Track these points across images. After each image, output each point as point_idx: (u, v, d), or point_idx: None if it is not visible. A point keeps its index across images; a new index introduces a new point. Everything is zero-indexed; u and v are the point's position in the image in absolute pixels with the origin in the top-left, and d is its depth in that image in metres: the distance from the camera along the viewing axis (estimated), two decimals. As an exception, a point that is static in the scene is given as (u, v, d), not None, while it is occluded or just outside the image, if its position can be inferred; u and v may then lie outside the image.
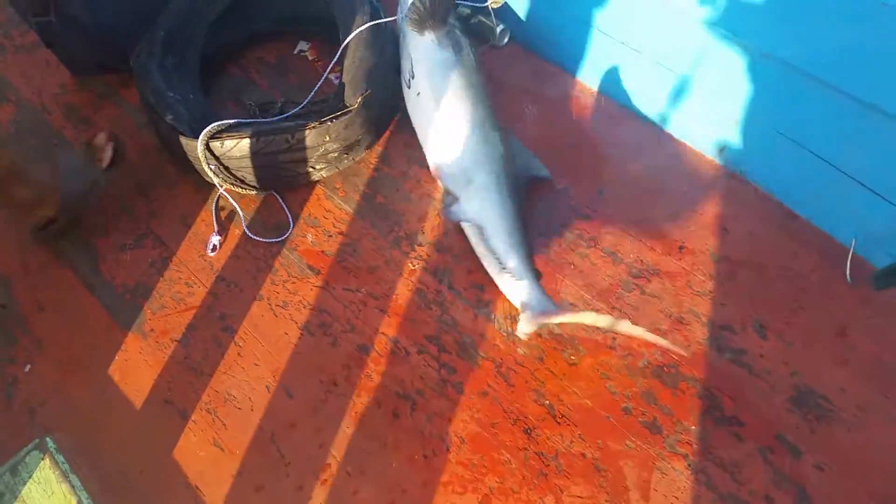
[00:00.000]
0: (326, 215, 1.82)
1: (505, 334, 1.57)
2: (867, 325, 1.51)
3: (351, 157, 1.87)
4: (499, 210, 1.61)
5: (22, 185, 1.68)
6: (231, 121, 1.73)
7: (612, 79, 1.92)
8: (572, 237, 1.70)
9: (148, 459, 1.48)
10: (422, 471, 1.41)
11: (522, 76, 2.05)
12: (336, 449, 1.44)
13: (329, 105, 1.79)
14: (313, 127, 1.72)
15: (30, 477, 1.44)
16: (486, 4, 1.96)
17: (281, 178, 1.84)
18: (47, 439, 1.49)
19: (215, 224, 1.82)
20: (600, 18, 1.83)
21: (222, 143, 1.71)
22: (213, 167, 1.76)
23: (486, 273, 1.63)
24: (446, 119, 1.72)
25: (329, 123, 1.73)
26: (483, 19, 2.04)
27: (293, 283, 1.70)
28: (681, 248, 1.66)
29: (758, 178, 1.73)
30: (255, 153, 1.73)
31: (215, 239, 1.79)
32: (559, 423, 1.44)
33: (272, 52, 2.26)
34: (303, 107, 1.89)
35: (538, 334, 1.55)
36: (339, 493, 1.39)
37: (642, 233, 1.69)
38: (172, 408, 1.54)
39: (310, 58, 2.25)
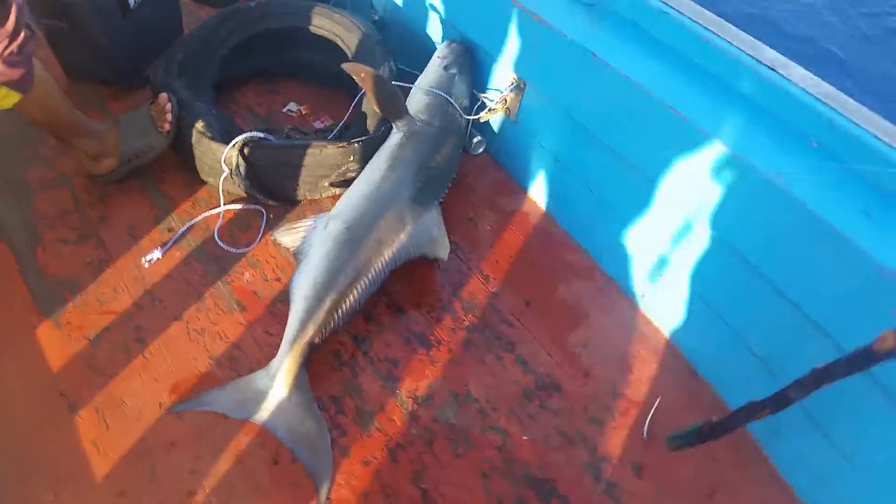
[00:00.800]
0: (269, 260, 1.89)
1: (405, 411, 1.61)
2: (732, 487, 1.59)
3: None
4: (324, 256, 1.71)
5: (82, 137, 1.89)
6: (261, 133, 1.93)
7: (562, 207, 2.08)
8: (492, 338, 1.79)
9: (21, 441, 1.46)
10: (284, 522, 1.42)
11: (486, 185, 2.21)
12: (208, 479, 1.44)
13: (350, 132, 2.01)
14: (342, 146, 1.92)
15: None
16: (476, 117, 2.13)
17: (294, 189, 2.01)
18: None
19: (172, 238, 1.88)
20: (560, 152, 2.00)
21: (253, 151, 1.90)
22: (235, 174, 1.90)
23: (404, 349, 1.71)
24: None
25: (356, 145, 1.93)
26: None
27: (217, 314, 1.74)
28: (587, 374, 1.75)
29: (669, 332, 1.85)
30: (282, 163, 1.92)
31: (157, 253, 1.84)
32: (429, 508, 1.47)
33: (263, 105, 2.41)
34: (333, 132, 2.10)
35: (434, 419, 1.60)
36: (197, 525, 1.39)
37: (556, 350, 1.78)
38: (64, 400, 1.53)
39: (303, 112, 2.39)
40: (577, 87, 1.83)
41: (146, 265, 1.83)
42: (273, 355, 1.61)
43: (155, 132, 1.96)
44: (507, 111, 2.12)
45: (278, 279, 1.84)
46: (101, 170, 1.96)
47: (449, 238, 1.90)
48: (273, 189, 2.00)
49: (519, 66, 2.00)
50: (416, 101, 2.05)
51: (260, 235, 1.94)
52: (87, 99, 2.28)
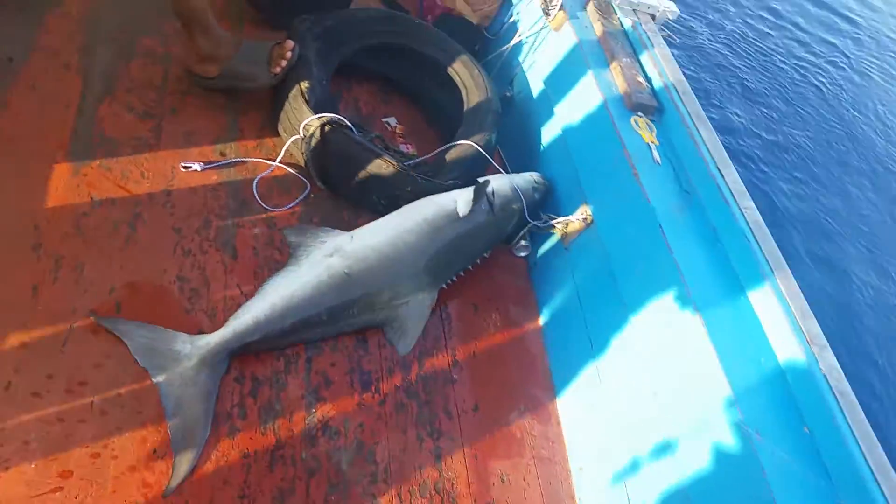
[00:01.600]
0: (285, 231, 1.91)
1: (307, 431, 1.58)
2: None
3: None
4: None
5: (204, 36, 1.94)
6: (349, 123, 1.97)
7: (558, 347, 2.06)
8: (427, 418, 1.75)
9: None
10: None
11: (507, 287, 2.20)
12: (91, 389, 1.43)
13: (422, 170, 2.04)
14: (405, 171, 1.95)
15: None
16: (537, 223, 2.15)
17: (346, 185, 2.04)
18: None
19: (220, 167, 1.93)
20: (585, 296, 2.00)
21: (333, 132, 1.94)
22: (305, 142, 1.94)
23: (343, 377, 1.69)
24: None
25: (418, 179, 1.96)
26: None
27: (210, 245, 1.76)
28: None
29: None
30: (349, 156, 1.96)
31: (197, 166, 1.89)
32: None
33: (369, 105, 2.48)
34: (409, 161, 2.09)
35: (329, 456, 1.56)
36: None
37: (474, 466, 1.73)
38: (34, 235, 1.56)
39: (397, 130, 2.46)
40: (631, 250, 1.84)
41: (182, 170, 1.87)
42: (223, 320, 1.61)
43: (265, 68, 2.03)
44: (564, 236, 2.14)
45: (280, 251, 1.86)
46: (201, 71, 2.03)
47: (441, 315, 1.91)
48: (328, 175, 2.03)
49: (595, 203, 2.02)
50: (497, 184, 2.08)
51: (291, 205, 1.97)
52: (231, 9, 2.39)
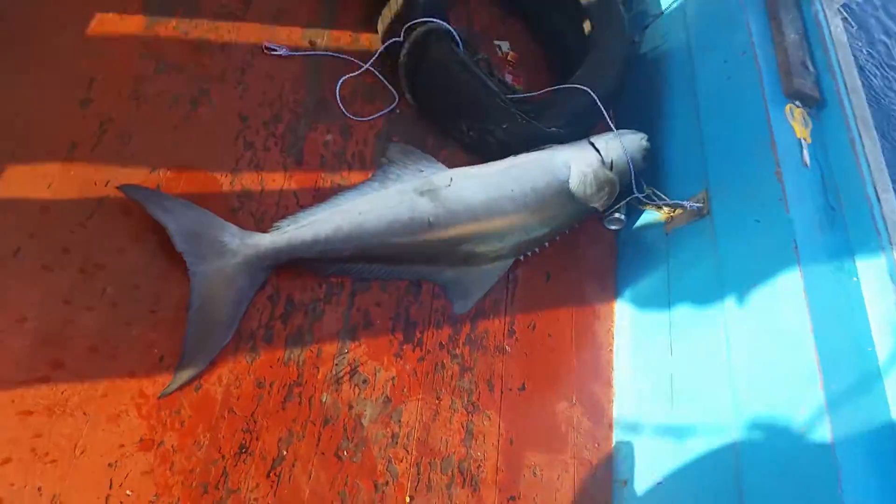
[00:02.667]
0: (361, 144, 1.69)
1: (333, 374, 1.41)
2: None
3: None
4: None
5: None
6: (456, 35, 1.72)
7: (636, 343, 1.81)
8: (466, 387, 1.56)
9: (24, 73, 1.33)
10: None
11: (588, 261, 1.94)
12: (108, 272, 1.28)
13: (525, 109, 1.77)
14: (502, 104, 1.71)
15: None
16: (639, 196, 1.87)
17: (434, 104, 1.81)
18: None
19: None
20: (678, 295, 1.73)
21: (435, 41, 1.69)
22: (403, 45, 1.70)
23: (386, 322, 1.51)
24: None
25: (520, 119, 1.72)
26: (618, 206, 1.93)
27: (273, 142, 1.57)
28: (512, 498, 1.51)
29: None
30: (446, 72, 1.71)
31: (282, 50, 1.67)
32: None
33: (483, 23, 2.20)
34: (512, 94, 1.83)
35: (351, 405, 1.40)
36: None
37: (507, 451, 1.54)
38: (87, 87, 1.40)
39: (508, 57, 2.18)
40: (751, 260, 1.54)
41: (264, 51, 1.66)
42: (268, 226, 1.43)
43: None
44: (669, 220, 1.85)
45: (350, 166, 1.65)
46: None
47: (508, 276, 1.69)
48: (421, 90, 1.79)
49: (718, 193, 1.72)
50: (609, 147, 1.81)
51: (373, 116, 1.74)
52: None
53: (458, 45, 1.73)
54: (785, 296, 1.39)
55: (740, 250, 1.60)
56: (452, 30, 1.70)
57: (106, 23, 1.48)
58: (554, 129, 1.77)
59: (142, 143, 1.40)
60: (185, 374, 1.24)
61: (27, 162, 1.27)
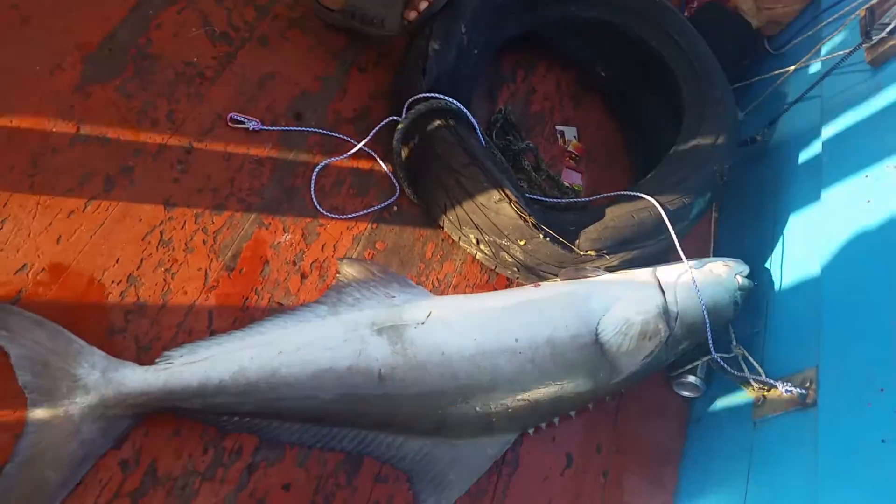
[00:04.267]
0: (329, 246, 1.29)
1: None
2: None
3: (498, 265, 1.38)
4: None
5: None
6: (474, 121, 1.31)
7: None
8: None
9: None
10: None
11: (641, 433, 1.39)
12: None
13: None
14: (528, 222, 1.23)
15: None
16: (716, 357, 1.30)
17: (439, 207, 1.36)
18: None
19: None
20: None
21: (433, 130, 1.29)
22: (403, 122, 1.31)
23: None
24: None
25: (544, 236, 1.23)
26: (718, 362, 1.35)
27: (202, 251, 1.20)
28: None
29: None
30: (450, 167, 1.28)
31: (252, 124, 1.32)
32: None
33: (546, 98, 1.74)
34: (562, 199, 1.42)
35: None
36: None
37: None
38: None
39: (569, 148, 1.71)
40: (870, 488, 0.95)
41: (228, 123, 1.32)
42: (155, 357, 1.04)
43: (397, 12, 1.41)
44: (759, 401, 1.26)
45: (304, 278, 1.24)
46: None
47: (504, 458, 1.19)
48: (421, 181, 1.37)
49: (832, 379, 1.12)
50: (678, 285, 1.27)
51: (355, 214, 1.34)
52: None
53: (473, 128, 1.30)
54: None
55: (852, 473, 1.00)
56: (463, 109, 1.27)
57: (30, 70, 1.20)
58: (592, 252, 1.27)
59: (17, 231, 1.08)
60: None
61: None
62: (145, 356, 1.06)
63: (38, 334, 0.98)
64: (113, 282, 1.10)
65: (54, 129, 1.18)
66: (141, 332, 1.08)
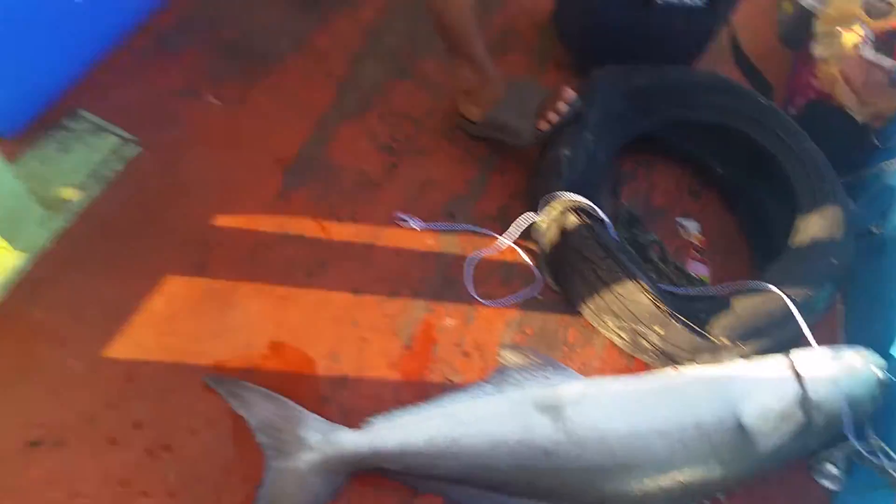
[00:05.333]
0: (487, 333, 1.47)
1: None
2: None
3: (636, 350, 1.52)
4: None
5: (469, 66, 1.59)
6: (604, 217, 1.47)
7: None
8: None
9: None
10: None
11: None
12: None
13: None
14: (662, 309, 1.39)
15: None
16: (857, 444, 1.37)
17: (580, 297, 1.54)
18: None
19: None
20: None
21: (570, 225, 1.47)
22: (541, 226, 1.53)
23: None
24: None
25: (679, 323, 1.39)
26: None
27: (385, 320, 1.41)
28: None
29: None
30: (586, 259, 1.46)
31: (415, 223, 1.55)
32: None
33: (666, 194, 1.90)
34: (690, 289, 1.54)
35: None
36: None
37: None
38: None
39: (693, 240, 1.85)
40: None
41: (397, 220, 1.55)
42: (356, 423, 1.23)
43: (531, 122, 1.62)
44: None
45: (468, 357, 1.43)
46: (465, 111, 1.70)
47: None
48: (560, 273, 1.55)
49: None
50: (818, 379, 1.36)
51: (505, 300, 1.52)
52: (539, 44, 2.03)
53: (602, 223, 1.47)
54: None
55: None
56: (593, 206, 1.45)
57: (241, 184, 1.48)
58: (727, 339, 1.40)
59: (243, 315, 1.32)
60: None
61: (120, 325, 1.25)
62: (347, 419, 1.25)
63: (268, 404, 1.20)
64: (320, 356, 1.32)
65: (264, 229, 1.44)
66: (344, 400, 1.29)
